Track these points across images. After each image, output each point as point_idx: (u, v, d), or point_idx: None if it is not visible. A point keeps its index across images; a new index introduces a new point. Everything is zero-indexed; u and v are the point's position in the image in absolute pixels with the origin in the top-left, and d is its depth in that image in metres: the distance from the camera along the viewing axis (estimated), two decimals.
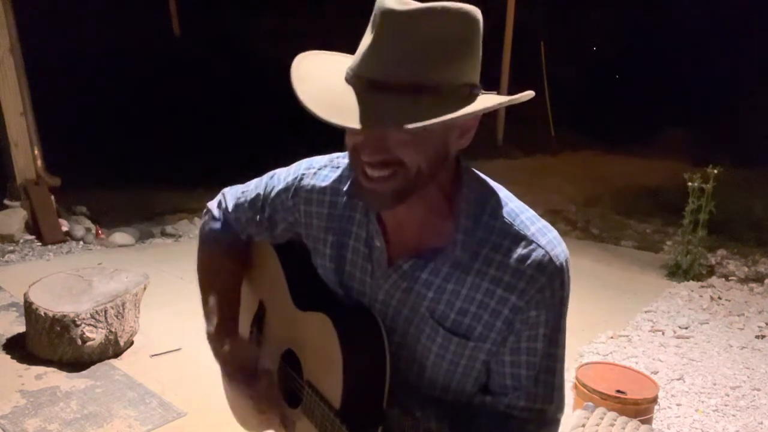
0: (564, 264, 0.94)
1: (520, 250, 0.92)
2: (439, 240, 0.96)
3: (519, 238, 0.93)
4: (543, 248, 0.92)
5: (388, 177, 0.86)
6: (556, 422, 1.02)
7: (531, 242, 0.92)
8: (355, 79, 0.82)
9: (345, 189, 1.04)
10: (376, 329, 0.98)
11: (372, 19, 0.82)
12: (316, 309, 1.03)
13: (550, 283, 0.92)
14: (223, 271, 1.23)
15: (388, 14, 0.78)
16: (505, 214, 0.95)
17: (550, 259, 0.92)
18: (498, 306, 0.93)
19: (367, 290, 1.03)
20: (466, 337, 0.95)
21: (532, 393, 0.98)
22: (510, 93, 0.90)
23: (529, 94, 0.85)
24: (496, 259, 0.93)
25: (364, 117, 0.78)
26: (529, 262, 0.91)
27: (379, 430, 0.96)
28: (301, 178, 1.11)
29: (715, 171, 4.54)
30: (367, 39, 0.82)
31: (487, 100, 0.84)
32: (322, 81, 0.85)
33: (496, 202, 0.96)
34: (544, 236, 0.94)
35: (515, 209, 0.96)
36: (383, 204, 0.91)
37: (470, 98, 0.84)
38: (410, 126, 0.76)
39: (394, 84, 0.79)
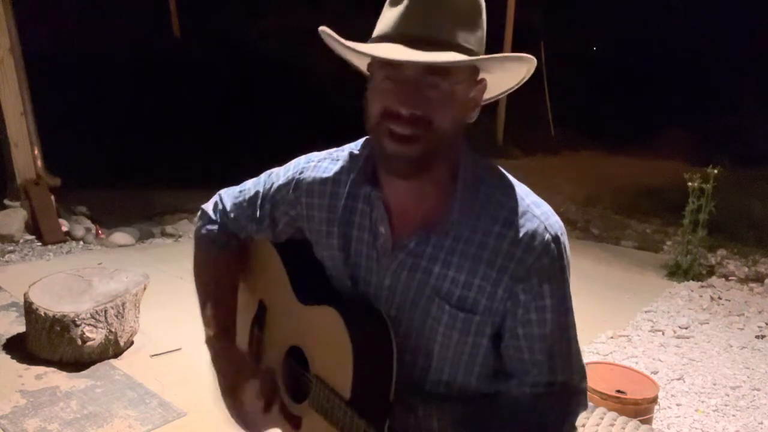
0: (559, 233, 0.97)
1: (517, 220, 0.96)
2: (441, 215, 0.99)
3: (515, 209, 0.97)
4: (538, 218, 0.96)
5: (415, 137, 0.90)
6: (582, 392, 1.03)
7: (526, 212, 0.97)
8: (386, 37, 0.90)
9: (352, 177, 1.06)
10: (381, 318, 1.00)
11: None
12: (322, 303, 1.04)
13: (548, 251, 0.95)
14: (221, 275, 1.22)
15: None
16: (502, 187, 0.99)
17: (546, 228, 0.96)
18: (499, 275, 0.95)
19: (373, 278, 1.05)
20: (472, 311, 0.97)
21: (551, 366, 0.99)
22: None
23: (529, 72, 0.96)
24: (494, 230, 0.96)
25: (417, 56, 0.85)
26: (525, 230, 0.95)
27: (386, 422, 0.97)
28: (302, 171, 1.13)
29: (715, 171, 4.54)
30: (393, 11, 0.90)
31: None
32: (358, 41, 0.93)
33: (494, 176, 1.01)
34: (539, 207, 0.98)
35: (511, 183, 1.01)
36: (408, 169, 0.94)
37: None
38: (462, 59, 0.85)
39: (435, 40, 0.87)
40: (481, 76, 0.96)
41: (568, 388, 1.01)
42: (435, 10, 0.88)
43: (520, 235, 0.95)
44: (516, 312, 0.97)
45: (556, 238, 0.96)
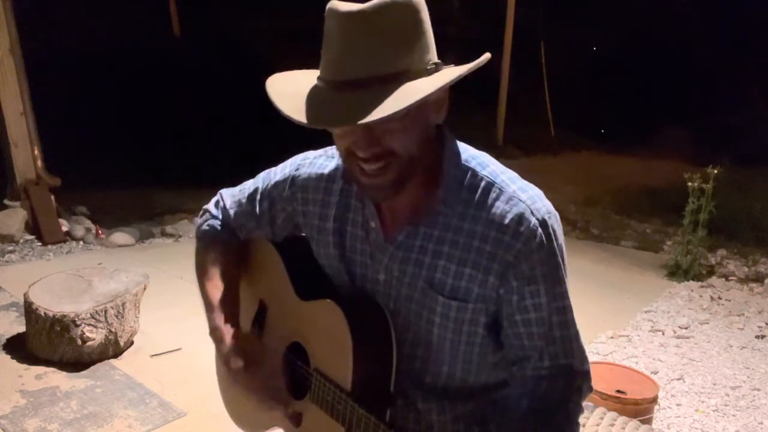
0: (545, 217, 0.97)
1: (503, 206, 0.96)
2: (428, 207, 1.00)
3: (501, 194, 0.97)
4: (524, 202, 0.96)
5: (383, 168, 0.90)
6: (585, 374, 1.05)
7: (512, 198, 0.97)
8: (325, 83, 0.87)
9: (341, 174, 1.08)
10: (379, 310, 1.01)
11: (326, 26, 0.87)
12: (321, 297, 1.05)
13: (535, 235, 0.95)
14: (222, 268, 1.23)
15: (343, 17, 0.84)
16: (486, 175, 0.99)
17: (531, 212, 0.96)
18: (489, 262, 0.96)
19: (368, 273, 1.06)
20: (465, 300, 0.98)
21: (552, 351, 1.00)
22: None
23: (486, 57, 0.91)
24: (482, 216, 0.97)
25: (342, 114, 0.83)
26: (511, 216, 0.95)
27: (387, 412, 0.98)
28: (298, 168, 1.15)
29: (715, 171, 4.55)
30: (327, 45, 0.87)
31: (450, 73, 0.89)
32: (296, 89, 0.90)
33: (478, 164, 1.01)
34: (525, 192, 0.98)
35: (496, 170, 1.01)
36: (385, 195, 0.95)
37: (436, 74, 0.89)
38: (376, 118, 0.80)
39: (364, 79, 0.83)
40: None
41: (570, 370, 1.02)
42: (367, 42, 0.84)
43: (507, 221, 0.95)
44: (511, 299, 0.97)
45: (542, 222, 0.96)
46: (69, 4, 8.01)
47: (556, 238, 0.98)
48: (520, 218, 0.95)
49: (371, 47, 0.84)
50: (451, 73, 0.88)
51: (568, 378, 1.02)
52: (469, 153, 1.03)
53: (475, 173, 0.99)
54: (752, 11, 10.61)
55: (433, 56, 0.90)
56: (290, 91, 0.90)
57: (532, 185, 1.01)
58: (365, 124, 0.82)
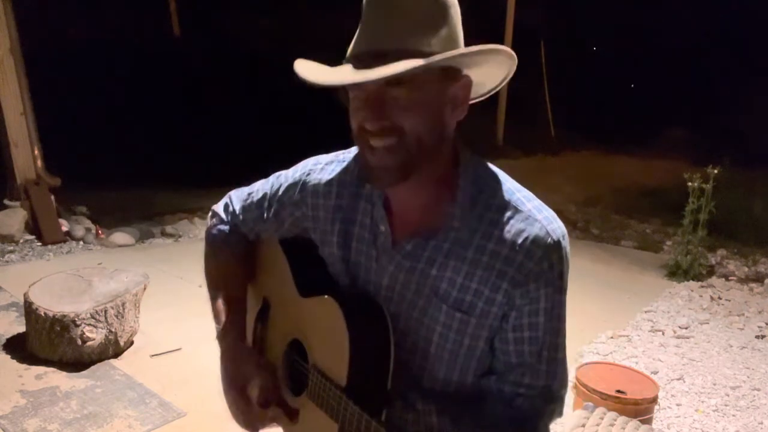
0: (560, 239, 0.96)
1: (517, 225, 0.95)
2: (440, 218, 0.99)
3: (516, 213, 0.96)
4: (540, 222, 0.95)
5: (392, 147, 0.90)
6: (560, 399, 1.03)
7: (528, 217, 0.96)
8: (348, 57, 0.90)
9: (351, 177, 1.08)
10: (378, 308, 1.00)
11: (362, 9, 0.91)
12: (320, 294, 1.05)
13: (548, 257, 0.94)
14: (232, 274, 1.24)
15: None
16: (502, 192, 0.98)
17: (547, 232, 0.95)
18: (497, 280, 0.95)
19: (372, 277, 1.05)
20: (468, 313, 0.97)
21: (536, 369, 0.99)
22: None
23: (512, 69, 0.95)
24: (494, 233, 0.95)
25: (353, 75, 0.86)
26: (526, 235, 0.94)
27: (383, 412, 0.97)
28: (309, 173, 1.15)
29: (715, 171, 4.55)
30: (359, 28, 0.91)
31: (462, 50, 0.91)
32: (318, 69, 0.93)
33: (494, 181, 1.00)
34: (541, 212, 0.97)
35: (512, 188, 1.00)
36: (391, 178, 0.93)
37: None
38: (388, 73, 0.82)
39: (383, 52, 0.86)
40: (465, 72, 0.94)
41: (547, 392, 1.01)
42: (388, 21, 0.88)
43: (520, 240, 0.94)
44: (509, 314, 0.97)
45: (557, 243, 0.95)
46: (69, 4, 8.02)
47: (567, 261, 0.98)
48: (535, 238, 0.94)
49: (392, 24, 0.87)
50: (457, 51, 0.90)
51: (544, 399, 1.01)
52: (485, 169, 1.02)
53: (490, 190, 0.98)
54: (753, 12, 10.61)
55: (455, 47, 0.91)
56: (314, 67, 0.94)
57: (545, 205, 1.00)
58: (375, 94, 0.87)
